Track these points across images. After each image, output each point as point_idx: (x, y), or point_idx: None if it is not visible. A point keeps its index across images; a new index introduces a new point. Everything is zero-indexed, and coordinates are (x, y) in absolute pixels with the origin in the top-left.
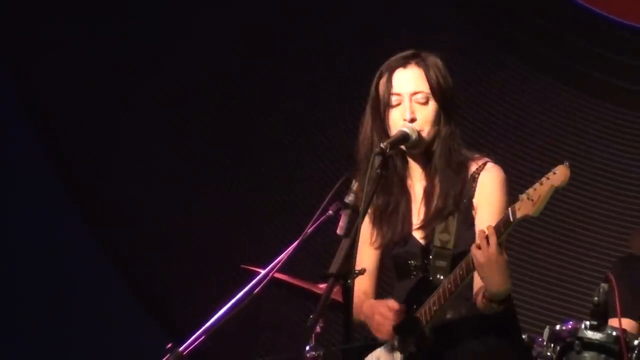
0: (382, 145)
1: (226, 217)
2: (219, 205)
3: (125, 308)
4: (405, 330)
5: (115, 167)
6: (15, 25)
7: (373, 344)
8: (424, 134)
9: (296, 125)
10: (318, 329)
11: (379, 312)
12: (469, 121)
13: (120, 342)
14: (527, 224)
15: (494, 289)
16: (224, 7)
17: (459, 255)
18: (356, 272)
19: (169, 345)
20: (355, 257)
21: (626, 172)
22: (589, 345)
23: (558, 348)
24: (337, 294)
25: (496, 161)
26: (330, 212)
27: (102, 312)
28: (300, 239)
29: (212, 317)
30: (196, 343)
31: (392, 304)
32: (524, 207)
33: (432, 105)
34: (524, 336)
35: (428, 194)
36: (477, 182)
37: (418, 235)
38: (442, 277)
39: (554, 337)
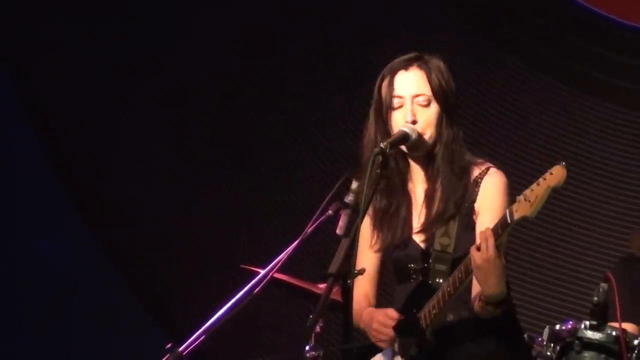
0: (382, 144)
1: (226, 217)
2: (219, 205)
3: (125, 308)
4: (406, 331)
5: (115, 167)
6: (15, 25)
7: (373, 344)
8: (426, 136)
9: (296, 125)
10: (318, 329)
11: (377, 321)
12: (468, 121)
13: (120, 342)
14: (526, 223)
15: (489, 291)
16: (223, 7)
17: (459, 259)
18: (356, 272)
19: (169, 345)
20: (355, 257)
21: (626, 171)
22: (589, 345)
23: (558, 348)
24: (336, 294)
25: (499, 166)
26: (330, 212)
27: (102, 312)
28: (300, 239)
29: (212, 317)
30: (196, 343)
31: (392, 312)
32: (522, 209)
33: (434, 107)
34: (524, 336)
35: (429, 197)
36: (479, 186)
37: (418, 238)
38: (441, 281)
39: (554, 337)
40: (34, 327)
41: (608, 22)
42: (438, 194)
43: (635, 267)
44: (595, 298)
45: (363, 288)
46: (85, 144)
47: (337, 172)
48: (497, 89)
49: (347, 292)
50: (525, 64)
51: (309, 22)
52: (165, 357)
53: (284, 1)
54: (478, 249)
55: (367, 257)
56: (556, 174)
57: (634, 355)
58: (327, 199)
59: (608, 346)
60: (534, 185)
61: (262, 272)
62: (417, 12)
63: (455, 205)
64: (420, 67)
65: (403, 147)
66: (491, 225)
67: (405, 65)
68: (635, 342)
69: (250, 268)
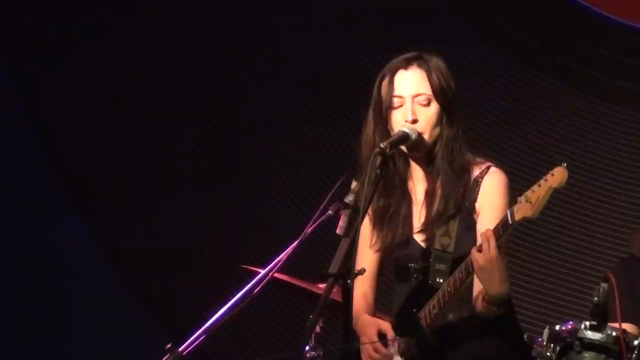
0: (382, 145)
1: (226, 217)
2: (219, 205)
3: (125, 308)
4: (406, 332)
5: (115, 167)
6: (15, 25)
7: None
8: (426, 136)
9: (296, 124)
10: (318, 329)
11: (367, 335)
12: (469, 121)
13: (120, 342)
14: (527, 224)
15: (493, 291)
16: (223, 7)
17: (459, 258)
18: (356, 272)
19: (169, 345)
20: (355, 257)
21: (626, 172)
22: (589, 345)
23: (558, 348)
24: (336, 294)
25: (499, 165)
26: (330, 212)
27: (102, 312)
28: (300, 239)
29: (212, 317)
30: (196, 343)
31: (385, 326)
32: (523, 209)
33: (434, 106)
34: (524, 336)
35: (429, 196)
36: (480, 186)
37: (419, 238)
38: (441, 281)
39: (554, 337)
40: (33, 327)
41: (608, 22)
42: (438, 193)
43: (635, 267)
44: (596, 298)
45: (362, 287)
46: (86, 145)
47: (337, 172)
48: (497, 89)
49: (347, 292)
50: (525, 64)
51: (309, 22)
52: (165, 357)
53: (284, 1)
54: (479, 250)
55: (367, 256)
56: (557, 175)
57: (634, 355)
58: (327, 199)
59: (608, 346)
60: (535, 186)
61: (262, 272)
62: (417, 12)
63: (456, 205)
64: (420, 66)
65: (403, 147)
66: (492, 225)
67: (405, 65)
68: (635, 342)
69: (251, 268)
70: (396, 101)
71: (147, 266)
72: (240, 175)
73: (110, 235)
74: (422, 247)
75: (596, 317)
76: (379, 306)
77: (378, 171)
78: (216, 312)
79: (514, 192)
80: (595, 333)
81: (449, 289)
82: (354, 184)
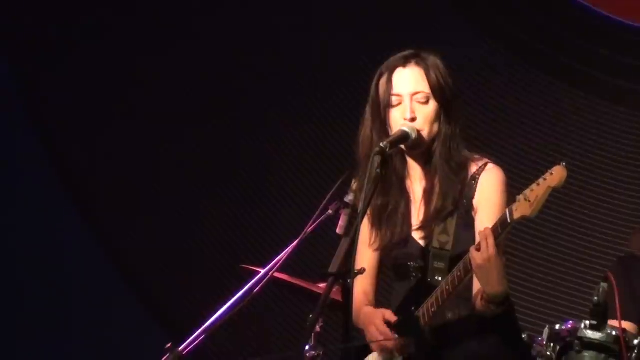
0: (381, 144)
1: (226, 217)
2: (219, 205)
3: (125, 308)
4: (404, 330)
5: (115, 167)
6: (15, 25)
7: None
8: (424, 133)
9: (297, 124)
10: (318, 328)
11: (374, 324)
12: (469, 120)
13: (120, 342)
14: (526, 223)
15: (492, 290)
16: (223, 7)
17: (458, 256)
18: (356, 271)
19: (169, 345)
20: (355, 257)
21: (626, 171)
22: (589, 344)
23: (558, 348)
24: (336, 294)
25: (496, 162)
26: (330, 211)
27: (102, 312)
28: (300, 238)
29: (212, 317)
30: (196, 343)
31: (389, 315)
32: (521, 208)
33: (433, 104)
34: (523, 336)
35: (427, 194)
36: (477, 183)
37: (417, 236)
38: (440, 279)
39: (554, 336)
40: (34, 327)
41: (608, 22)
42: (436, 191)
43: (635, 266)
44: (595, 298)
45: (362, 286)
46: (86, 145)
47: (337, 172)
48: (497, 88)
49: (347, 292)
50: (525, 64)
51: (309, 22)
52: (165, 357)
53: (283, 1)
54: (478, 249)
55: (366, 255)
56: (556, 174)
57: (634, 355)
58: (327, 199)
59: (608, 346)
60: (534, 185)
61: (262, 271)
62: (417, 12)
63: (454, 202)
64: (418, 64)
65: (402, 147)
66: (490, 223)
67: (403, 63)
68: (635, 342)
69: (250, 268)
70: (394, 99)
71: (147, 266)
72: (240, 175)
73: (110, 235)
74: (421, 246)
75: (596, 317)
76: (379, 305)
77: (378, 171)
78: (216, 311)
79: (514, 190)
80: (595, 332)
81: (447, 287)
82: (354, 184)
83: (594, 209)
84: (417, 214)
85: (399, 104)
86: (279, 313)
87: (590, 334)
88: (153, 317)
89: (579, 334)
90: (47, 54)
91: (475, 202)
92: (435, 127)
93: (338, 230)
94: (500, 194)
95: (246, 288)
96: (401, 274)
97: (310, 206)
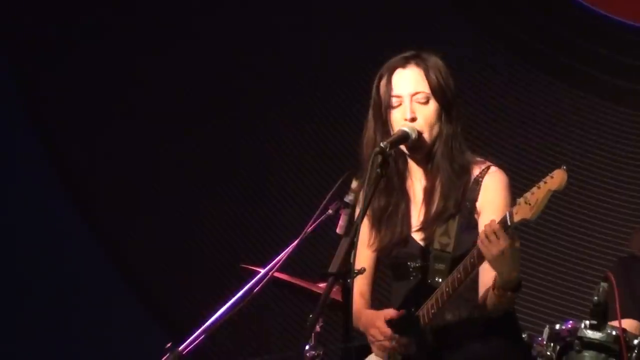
0: (382, 144)
1: (226, 217)
2: (219, 205)
3: (125, 308)
4: (404, 330)
5: (115, 167)
6: (15, 25)
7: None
8: (425, 135)
9: (297, 124)
10: (318, 328)
11: (376, 326)
12: (469, 120)
13: (120, 342)
14: (526, 223)
15: (508, 277)
16: (223, 7)
17: (458, 258)
18: (356, 271)
19: (169, 345)
20: (354, 257)
21: (626, 171)
22: (589, 344)
23: (558, 347)
24: (336, 293)
25: (498, 164)
26: (330, 211)
27: (102, 312)
28: (300, 238)
29: (212, 316)
30: (196, 343)
31: (392, 312)
32: (522, 211)
33: (433, 105)
34: (523, 336)
35: (429, 195)
36: (480, 185)
37: (418, 236)
38: (440, 280)
39: (554, 336)
40: (34, 327)
41: (608, 22)
42: (438, 192)
43: (635, 266)
44: (596, 298)
45: (359, 287)
46: (86, 145)
47: (337, 172)
48: (498, 88)
49: (347, 292)
50: (525, 64)
51: (308, 22)
52: (165, 357)
53: (283, 1)
54: (485, 242)
55: (364, 255)
56: (557, 178)
57: (634, 354)
58: (327, 198)
59: (608, 346)
60: (534, 189)
61: (262, 271)
62: (417, 12)
63: (456, 204)
64: (418, 64)
65: (403, 147)
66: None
67: (403, 63)
68: (635, 341)
69: (250, 267)
70: (395, 100)
71: (147, 266)
72: (240, 175)
73: (110, 235)
74: (421, 246)
75: (596, 317)
76: (378, 305)
77: (378, 170)
78: (216, 311)
79: (514, 190)
80: (595, 332)
81: (447, 289)
82: (354, 183)
83: (593, 209)
84: (418, 215)
85: (399, 104)
86: (279, 313)
87: (590, 333)
88: (153, 317)
89: (579, 334)
90: (47, 54)
91: (478, 204)
92: (436, 128)
93: (338, 230)
94: (504, 196)
95: (246, 288)
96: (400, 273)
97: (311, 206)
